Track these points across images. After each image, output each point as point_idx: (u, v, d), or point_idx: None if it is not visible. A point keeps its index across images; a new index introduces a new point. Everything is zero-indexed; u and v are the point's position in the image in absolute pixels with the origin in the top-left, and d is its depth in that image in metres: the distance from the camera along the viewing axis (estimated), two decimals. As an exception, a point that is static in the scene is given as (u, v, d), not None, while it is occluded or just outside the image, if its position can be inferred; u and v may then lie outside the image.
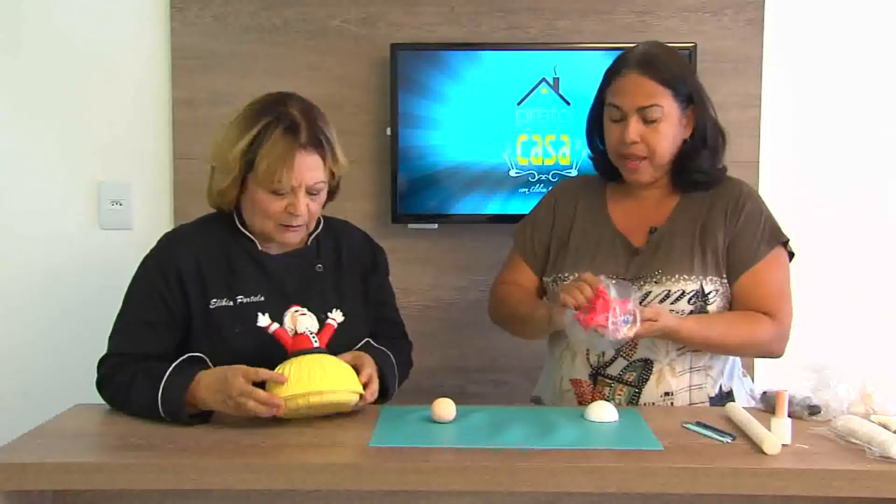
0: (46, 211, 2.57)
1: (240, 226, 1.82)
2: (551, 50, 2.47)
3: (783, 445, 1.51)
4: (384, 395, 1.76)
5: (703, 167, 1.89)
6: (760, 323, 1.82)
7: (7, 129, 2.56)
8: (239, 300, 1.76)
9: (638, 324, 1.66)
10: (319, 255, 1.87)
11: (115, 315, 1.79)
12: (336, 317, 1.69)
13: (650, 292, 1.83)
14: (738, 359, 1.96)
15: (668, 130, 1.84)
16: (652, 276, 1.85)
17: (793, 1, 2.53)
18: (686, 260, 1.85)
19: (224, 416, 1.64)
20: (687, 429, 1.63)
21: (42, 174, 2.57)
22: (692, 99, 1.86)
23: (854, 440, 1.53)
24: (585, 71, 2.39)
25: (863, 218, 2.57)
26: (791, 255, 1.92)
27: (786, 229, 1.90)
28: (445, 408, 1.65)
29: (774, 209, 1.93)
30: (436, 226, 2.55)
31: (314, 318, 1.68)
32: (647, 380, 1.85)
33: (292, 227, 1.76)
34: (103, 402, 1.75)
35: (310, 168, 1.71)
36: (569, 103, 2.46)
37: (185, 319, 1.76)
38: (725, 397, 1.87)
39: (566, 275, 1.91)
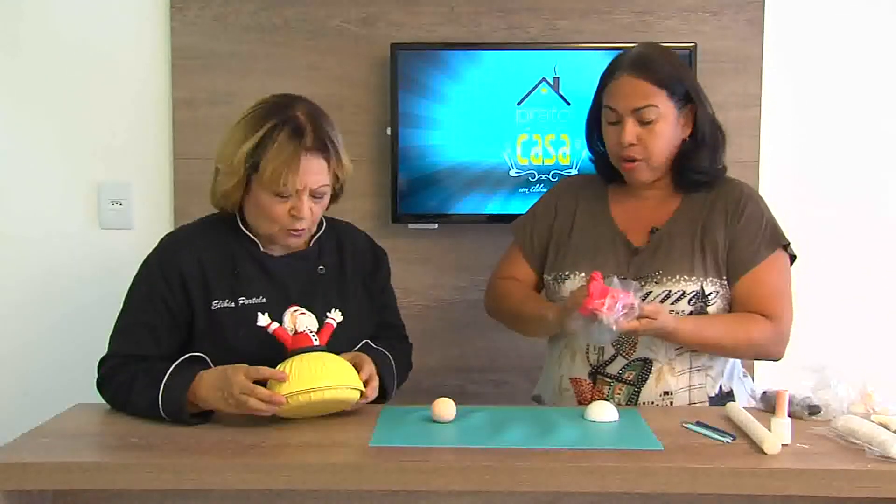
0: (46, 211, 2.57)
1: (242, 227, 1.82)
2: (551, 50, 2.47)
3: (783, 445, 1.51)
4: (382, 397, 1.76)
5: (702, 167, 1.89)
6: (758, 324, 1.82)
7: (7, 129, 2.56)
8: (241, 301, 1.76)
9: (637, 313, 1.66)
10: (321, 257, 1.86)
11: (116, 315, 1.79)
12: (335, 316, 1.69)
13: (650, 292, 1.83)
14: (738, 359, 1.96)
15: (664, 131, 1.84)
16: (652, 277, 1.85)
17: (793, 1, 2.53)
18: (686, 261, 1.85)
19: (224, 415, 1.64)
20: (687, 429, 1.63)
21: (42, 174, 2.57)
22: (689, 98, 1.86)
23: (854, 440, 1.53)
24: (585, 71, 2.39)
25: (863, 218, 2.57)
26: (793, 258, 1.91)
27: (785, 229, 1.90)
28: (445, 408, 1.65)
29: (774, 209, 1.93)
30: (436, 226, 2.55)
31: (313, 317, 1.68)
32: (647, 379, 1.85)
33: (296, 230, 1.75)
34: (103, 402, 1.75)
35: (315, 172, 1.71)
36: (569, 103, 2.46)
37: (187, 322, 1.76)
38: (725, 397, 1.87)
39: (566, 273, 1.91)
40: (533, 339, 2.31)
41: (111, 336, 1.77)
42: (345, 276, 1.88)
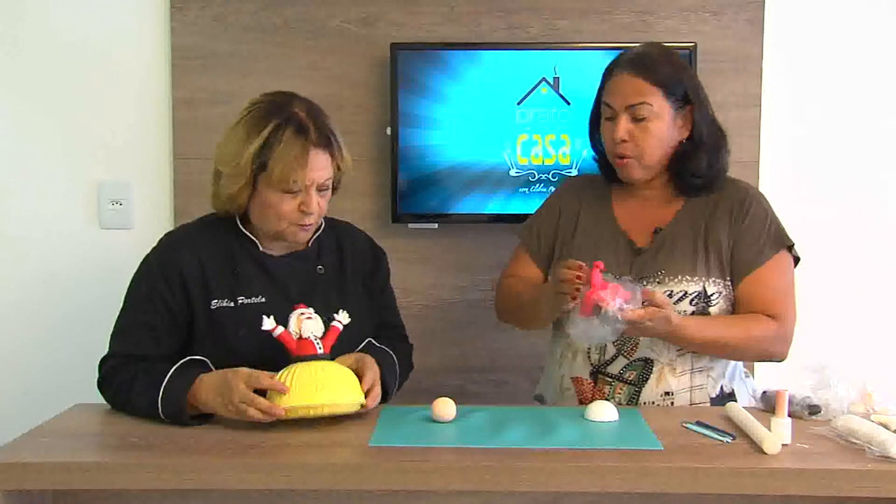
0: (47, 211, 2.57)
1: (241, 227, 1.82)
2: (551, 49, 2.47)
3: (783, 445, 1.51)
4: (384, 397, 1.76)
5: (698, 169, 1.88)
6: (761, 324, 1.82)
7: (7, 128, 2.56)
8: (240, 301, 1.76)
9: (639, 304, 1.66)
10: (321, 257, 1.87)
11: (116, 315, 1.79)
12: (342, 319, 1.69)
13: (654, 292, 1.82)
14: (740, 361, 1.96)
15: (658, 129, 1.84)
16: (655, 277, 1.85)
17: (793, 1, 2.53)
18: (689, 261, 1.85)
19: (224, 416, 1.64)
20: (687, 428, 1.63)
21: (42, 174, 2.57)
22: (688, 100, 1.86)
23: (854, 440, 1.53)
24: (585, 71, 2.39)
25: (862, 218, 2.57)
26: (797, 259, 1.91)
27: (786, 229, 1.90)
28: (445, 407, 1.65)
29: (774, 209, 1.93)
30: (436, 225, 2.55)
31: (319, 321, 1.66)
32: (648, 379, 1.85)
33: (305, 225, 1.76)
34: (103, 402, 1.75)
35: (322, 166, 1.73)
36: (569, 103, 2.46)
37: (187, 321, 1.76)
38: (727, 398, 1.87)
39: None
40: (533, 339, 2.31)
41: (111, 336, 1.77)
42: (345, 275, 1.88)
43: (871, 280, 2.58)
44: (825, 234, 2.53)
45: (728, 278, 1.86)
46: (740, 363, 1.96)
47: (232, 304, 1.76)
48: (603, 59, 1.99)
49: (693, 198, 1.91)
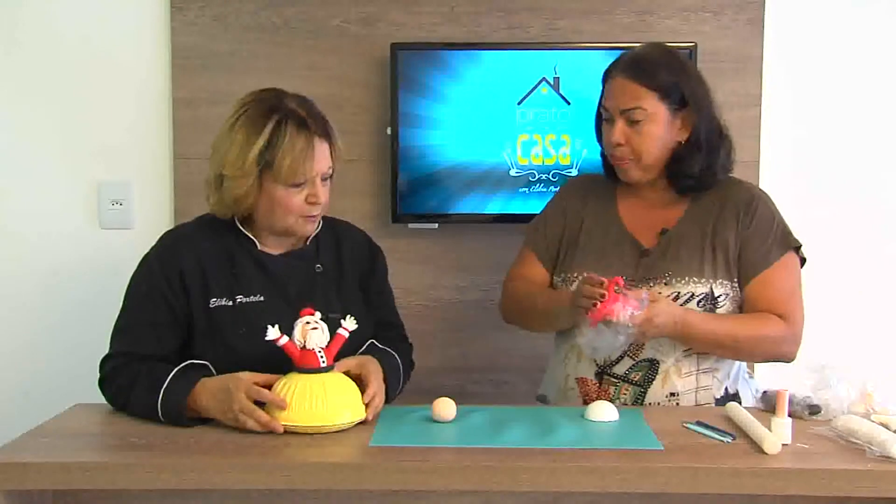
0: (47, 211, 2.57)
1: (239, 226, 1.82)
2: (551, 49, 2.47)
3: (783, 445, 1.51)
4: (387, 398, 1.75)
5: (692, 171, 1.87)
6: (771, 323, 1.82)
7: (7, 128, 2.56)
8: (239, 300, 1.76)
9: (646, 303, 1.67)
10: (319, 256, 1.87)
11: (116, 314, 1.79)
12: (348, 325, 1.67)
13: (659, 294, 1.82)
14: (744, 361, 1.95)
15: (653, 132, 1.84)
16: (661, 278, 1.85)
17: (793, 1, 2.53)
18: (696, 262, 1.85)
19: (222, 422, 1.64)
20: (687, 428, 1.63)
21: (42, 174, 2.57)
22: (687, 102, 1.86)
23: (854, 440, 1.53)
24: (586, 71, 2.39)
25: (863, 217, 2.57)
26: (803, 260, 1.91)
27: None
28: (446, 407, 1.65)
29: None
30: (436, 225, 2.55)
31: (325, 330, 1.65)
32: (653, 380, 1.85)
33: (313, 216, 1.78)
34: (103, 402, 1.75)
35: (325, 156, 1.76)
36: (569, 103, 2.46)
37: (187, 320, 1.76)
38: (731, 399, 1.86)
39: (574, 274, 1.90)
40: (533, 339, 2.31)
41: (112, 335, 1.77)
42: (343, 274, 1.88)
43: (871, 280, 2.58)
44: (825, 234, 2.53)
45: (735, 280, 1.86)
46: (744, 364, 1.96)
47: (231, 303, 1.76)
48: (603, 59, 1.99)
49: (699, 198, 1.91)
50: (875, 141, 2.57)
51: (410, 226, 2.55)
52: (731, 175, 1.95)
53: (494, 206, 2.49)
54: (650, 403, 1.84)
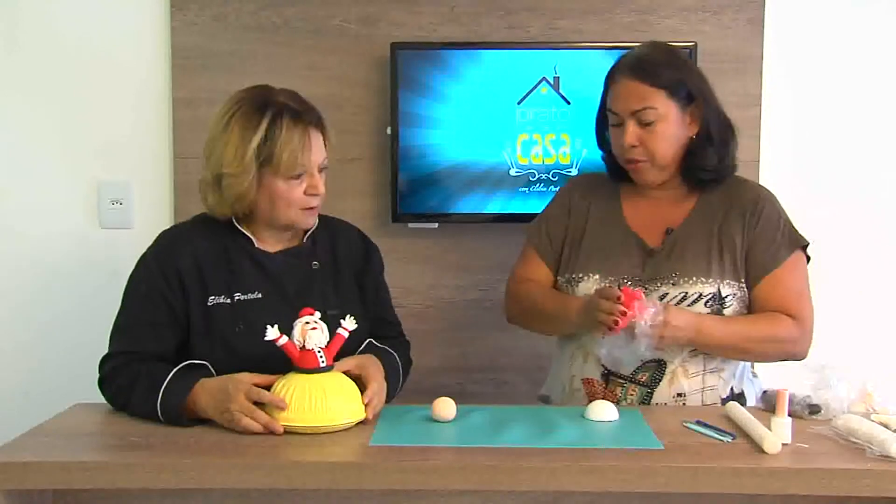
0: (47, 210, 2.57)
1: (236, 224, 1.82)
2: (551, 49, 2.47)
3: (783, 445, 1.51)
4: (387, 397, 1.75)
5: (709, 164, 1.88)
6: (782, 322, 1.82)
7: (8, 128, 2.56)
8: (237, 297, 1.77)
9: (661, 316, 1.69)
10: (315, 253, 1.87)
11: (116, 314, 1.79)
12: (348, 325, 1.67)
13: (667, 294, 1.82)
14: (748, 361, 1.95)
15: (666, 131, 1.84)
16: (669, 278, 1.84)
17: (793, 0, 2.53)
18: (703, 263, 1.85)
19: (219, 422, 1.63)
20: (687, 428, 1.63)
21: (43, 173, 2.57)
22: (693, 97, 1.86)
23: (854, 439, 1.53)
24: (586, 70, 2.40)
25: (862, 217, 2.57)
26: (808, 258, 1.91)
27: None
28: (446, 407, 1.65)
29: (778, 208, 1.93)
30: (436, 225, 2.55)
31: (325, 330, 1.65)
32: (660, 381, 1.84)
33: (313, 207, 1.80)
34: (103, 402, 1.75)
35: (320, 146, 1.78)
36: (569, 102, 2.46)
37: (186, 318, 1.76)
38: (737, 399, 1.86)
39: (580, 275, 1.90)
40: (533, 339, 2.31)
41: (111, 335, 1.77)
42: (339, 271, 1.88)
43: (871, 280, 2.57)
44: (825, 233, 2.51)
45: (743, 280, 1.86)
46: (748, 364, 1.95)
47: (229, 301, 1.76)
48: (603, 59, 2.00)
49: (705, 197, 1.91)
50: (875, 141, 2.57)
51: (410, 225, 2.55)
52: (735, 174, 1.95)
53: (494, 205, 2.49)
54: (657, 404, 1.84)
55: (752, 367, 2.01)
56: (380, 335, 1.90)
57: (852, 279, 2.56)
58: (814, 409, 1.68)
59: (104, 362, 1.75)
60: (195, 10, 2.52)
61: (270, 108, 1.73)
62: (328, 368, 1.64)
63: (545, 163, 2.48)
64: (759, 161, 2.53)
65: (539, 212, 2.08)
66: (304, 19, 2.53)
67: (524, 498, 1.56)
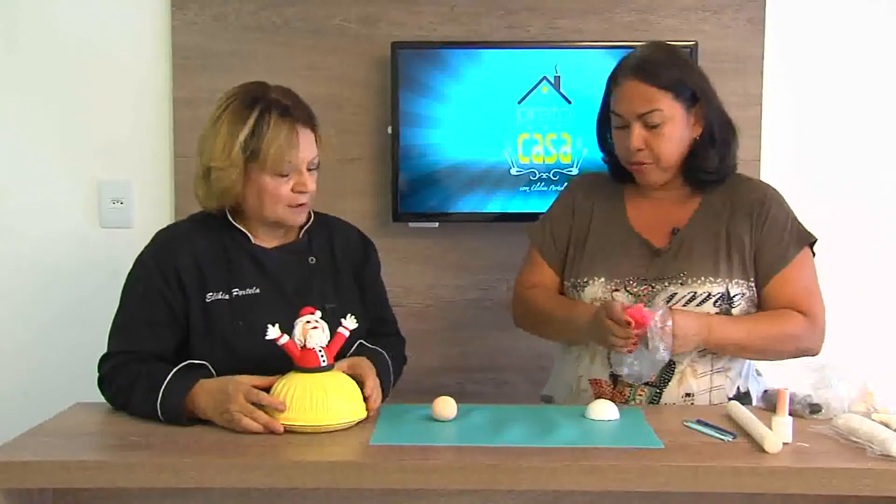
0: (47, 210, 2.57)
1: (232, 220, 1.82)
2: (552, 48, 2.47)
3: (784, 444, 1.51)
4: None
5: (711, 165, 1.87)
6: (794, 319, 1.82)
7: (8, 127, 2.56)
8: (235, 293, 1.77)
9: (669, 320, 1.69)
10: (312, 249, 1.87)
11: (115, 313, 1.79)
12: (349, 325, 1.67)
13: (675, 294, 1.82)
14: (753, 360, 1.94)
15: (672, 133, 1.83)
16: (677, 278, 1.83)
17: (793, 0, 2.53)
18: (710, 262, 1.84)
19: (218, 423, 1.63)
20: (688, 427, 1.63)
21: (43, 173, 2.57)
22: (697, 97, 1.85)
23: (855, 439, 1.53)
24: (586, 70, 2.40)
25: (863, 217, 2.57)
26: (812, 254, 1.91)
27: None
28: (446, 406, 1.65)
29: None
30: (436, 225, 2.55)
31: (325, 330, 1.65)
32: (669, 381, 1.84)
33: (301, 204, 1.79)
34: (103, 401, 1.75)
35: (309, 144, 1.77)
36: (570, 102, 2.46)
37: (185, 317, 1.76)
38: (743, 398, 1.86)
39: (585, 279, 1.89)
40: (533, 339, 2.30)
41: (110, 334, 1.77)
42: (338, 270, 1.88)
43: (871, 279, 2.57)
44: (825, 233, 2.49)
45: (751, 279, 1.85)
46: (753, 363, 1.95)
47: (227, 297, 1.76)
48: (604, 58, 1.99)
49: (709, 196, 1.91)
50: (875, 140, 2.56)
51: (411, 225, 2.55)
52: (737, 172, 1.95)
53: (495, 205, 2.49)
54: (666, 404, 1.84)
55: (756, 365, 2.00)
56: (377, 333, 1.90)
57: (853, 279, 2.56)
58: (814, 409, 1.68)
59: (103, 362, 1.75)
60: (195, 9, 2.52)
61: (260, 103, 1.73)
62: (329, 367, 1.64)
63: (546, 162, 2.48)
64: (759, 161, 2.53)
65: (540, 211, 2.08)
66: (304, 19, 2.53)
67: (524, 497, 1.56)
